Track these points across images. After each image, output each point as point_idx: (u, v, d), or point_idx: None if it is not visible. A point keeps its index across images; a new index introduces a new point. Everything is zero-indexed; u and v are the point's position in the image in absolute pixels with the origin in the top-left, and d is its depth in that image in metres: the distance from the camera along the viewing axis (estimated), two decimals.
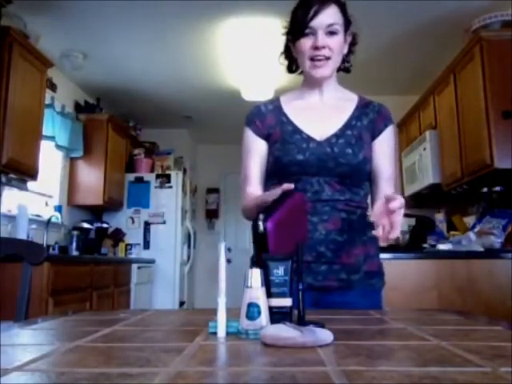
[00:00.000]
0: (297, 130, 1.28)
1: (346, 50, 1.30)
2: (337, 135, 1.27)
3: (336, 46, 1.23)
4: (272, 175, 1.31)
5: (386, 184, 1.29)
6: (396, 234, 0.99)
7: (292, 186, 1.04)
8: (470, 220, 3.56)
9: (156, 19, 3.47)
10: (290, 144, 1.26)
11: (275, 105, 1.36)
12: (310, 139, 1.26)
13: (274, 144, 1.29)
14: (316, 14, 1.20)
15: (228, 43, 3.85)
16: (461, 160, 3.24)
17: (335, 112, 1.31)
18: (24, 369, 0.53)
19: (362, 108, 1.33)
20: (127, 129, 5.38)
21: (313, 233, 1.21)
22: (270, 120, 1.32)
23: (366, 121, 1.31)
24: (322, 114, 1.31)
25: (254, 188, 1.32)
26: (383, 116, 1.33)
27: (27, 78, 3.19)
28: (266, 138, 1.32)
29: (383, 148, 1.31)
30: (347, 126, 1.29)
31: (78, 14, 3.37)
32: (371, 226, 1.31)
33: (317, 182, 1.23)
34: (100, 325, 0.87)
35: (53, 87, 4.11)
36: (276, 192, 1.10)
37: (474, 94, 3.02)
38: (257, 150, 1.33)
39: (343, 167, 1.22)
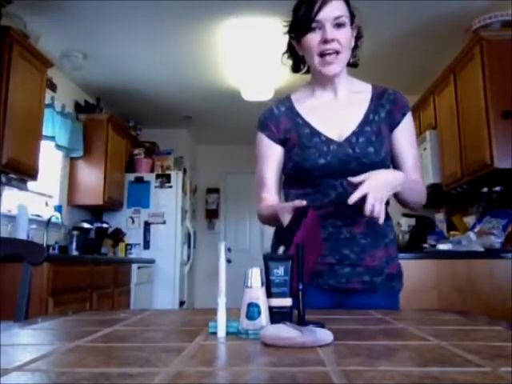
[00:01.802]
0: (315, 133, 1.24)
1: (353, 44, 1.26)
2: (356, 133, 1.22)
3: (345, 38, 1.19)
4: (292, 180, 1.28)
5: (411, 173, 1.25)
6: (368, 208, 1.04)
7: (304, 202, 1.04)
8: (470, 220, 3.56)
9: (156, 19, 3.48)
10: (310, 148, 1.22)
11: (287, 105, 1.31)
12: (329, 141, 1.22)
13: (292, 149, 1.26)
14: (322, 6, 1.16)
15: (228, 43, 3.85)
16: (461, 160, 3.24)
17: (351, 108, 1.27)
18: (24, 369, 0.53)
19: (378, 99, 1.28)
20: (127, 129, 5.38)
21: (337, 235, 1.20)
22: (284, 123, 1.28)
23: (383, 113, 1.26)
24: (338, 112, 1.26)
25: (270, 194, 1.30)
26: (400, 105, 1.28)
27: (27, 78, 3.19)
28: (283, 142, 1.28)
29: (404, 138, 1.28)
30: (365, 121, 1.24)
31: (78, 14, 3.37)
32: (392, 228, 1.31)
33: (340, 185, 1.20)
34: (100, 325, 0.87)
35: (53, 87, 4.11)
36: (287, 207, 1.09)
37: (474, 94, 3.02)
38: (272, 155, 1.30)
39: (366, 167, 1.16)
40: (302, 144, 1.24)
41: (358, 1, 1.29)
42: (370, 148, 1.21)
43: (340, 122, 1.25)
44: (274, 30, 3.38)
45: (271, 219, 1.23)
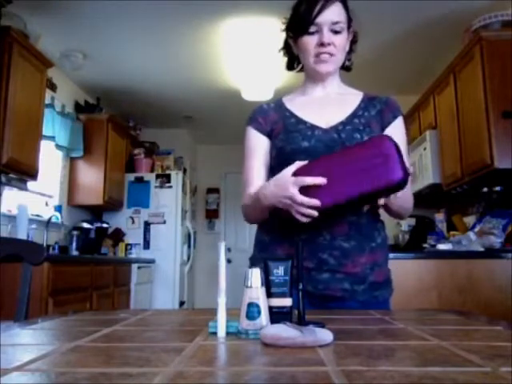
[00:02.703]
0: (300, 121, 1.23)
1: (347, 48, 1.27)
2: (343, 123, 1.21)
3: (340, 43, 1.20)
4: (276, 169, 1.19)
5: None
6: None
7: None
8: (470, 220, 3.56)
9: (156, 19, 3.48)
10: (294, 132, 1.21)
11: (277, 103, 1.32)
12: (314, 127, 1.21)
13: (277, 136, 1.24)
14: (321, 10, 1.17)
15: (228, 43, 3.85)
16: (461, 160, 3.24)
17: (340, 105, 1.26)
18: (24, 369, 0.53)
19: (369, 101, 1.27)
20: (127, 129, 5.38)
21: (315, 237, 1.14)
22: (272, 116, 1.28)
23: (374, 112, 1.25)
24: (327, 106, 1.26)
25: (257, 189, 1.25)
26: (391, 107, 1.26)
27: (27, 77, 3.19)
28: (269, 134, 1.27)
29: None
30: (354, 115, 1.23)
31: (78, 14, 3.37)
32: (381, 231, 1.23)
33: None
34: (100, 325, 0.87)
35: (53, 87, 4.11)
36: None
37: (473, 94, 3.02)
38: (259, 147, 1.27)
39: None
40: (286, 130, 1.23)
41: (359, 1, 1.29)
42: (357, 134, 1.18)
43: (328, 115, 1.23)
44: (274, 29, 3.37)
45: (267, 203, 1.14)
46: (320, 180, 1.00)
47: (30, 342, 0.76)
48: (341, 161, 1.01)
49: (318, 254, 1.14)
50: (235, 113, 5.28)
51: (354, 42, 1.29)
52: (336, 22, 1.19)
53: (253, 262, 1.26)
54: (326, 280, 1.14)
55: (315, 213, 1.02)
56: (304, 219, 1.04)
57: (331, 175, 0.99)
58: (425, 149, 3.74)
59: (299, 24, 1.21)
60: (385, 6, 3.24)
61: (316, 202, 1.00)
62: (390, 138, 0.99)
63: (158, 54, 4.06)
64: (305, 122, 1.23)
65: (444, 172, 3.56)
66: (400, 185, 0.97)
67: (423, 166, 3.79)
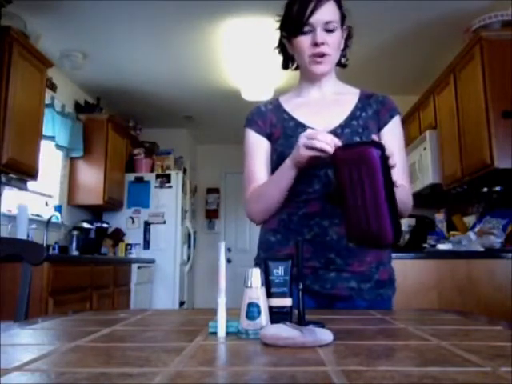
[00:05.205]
0: (299, 125, 1.23)
1: (342, 46, 1.27)
2: (342, 126, 1.21)
3: (334, 42, 1.20)
4: None
5: (397, 178, 1.09)
6: None
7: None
8: (470, 220, 3.56)
9: (156, 19, 3.48)
10: (294, 137, 1.19)
11: (275, 104, 1.32)
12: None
13: (277, 141, 1.24)
14: (314, 10, 1.17)
15: (228, 43, 3.85)
16: (461, 160, 3.24)
17: (337, 106, 1.26)
18: (24, 369, 0.53)
19: (365, 99, 1.27)
20: (127, 129, 5.38)
21: (322, 237, 1.15)
22: (271, 118, 1.28)
23: (371, 111, 1.25)
24: (324, 109, 1.26)
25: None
26: (388, 107, 1.27)
27: (27, 77, 3.19)
28: (269, 136, 1.27)
29: (390, 139, 1.20)
30: (352, 117, 1.23)
31: (78, 14, 3.37)
32: None
33: (324, 175, 1.17)
34: (100, 325, 0.87)
35: (53, 87, 4.11)
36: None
37: (474, 94, 3.02)
38: (261, 149, 1.27)
39: None
40: (286, 135, 1.23)
41: (359, 0, 1.28)
42: (356, 138, 1.19)
43: (326, 117, 1.23)
44: (274, 30, 3.38)
45: (279, 183, 1.15)
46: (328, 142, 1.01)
47: (30, 341, 0.76)
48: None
49: (325, 254, 1.15)
50: (235, 113, 5.28)
51: (348, 37, 1.29)
52: (329, 22, 1.18)
53: (257, 263, 1.26)
54: (333, 279, 1.15)
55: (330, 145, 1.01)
56: (328, 147, 1.01)
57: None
58: (425, 149, 3.74)
59: (292, 25, 1.21)
60: (385, 5, 3.24)
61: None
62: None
63: (158, 53, 4.06)
64: (303, 126, 1.23)
65: (444, 172, 3.56)
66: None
67: (423, 166, 3.79)
